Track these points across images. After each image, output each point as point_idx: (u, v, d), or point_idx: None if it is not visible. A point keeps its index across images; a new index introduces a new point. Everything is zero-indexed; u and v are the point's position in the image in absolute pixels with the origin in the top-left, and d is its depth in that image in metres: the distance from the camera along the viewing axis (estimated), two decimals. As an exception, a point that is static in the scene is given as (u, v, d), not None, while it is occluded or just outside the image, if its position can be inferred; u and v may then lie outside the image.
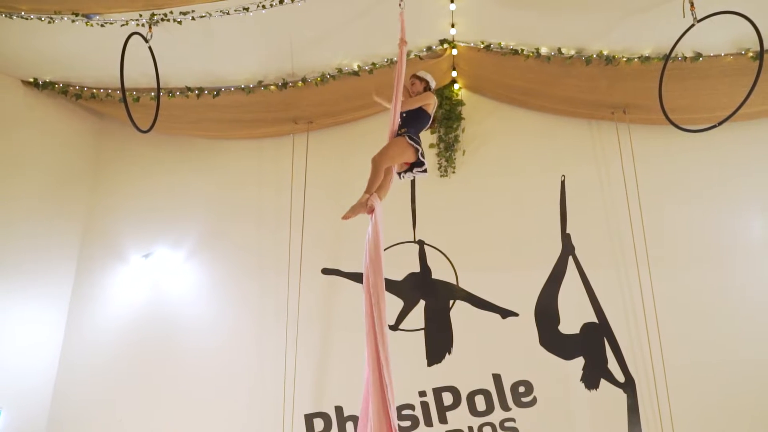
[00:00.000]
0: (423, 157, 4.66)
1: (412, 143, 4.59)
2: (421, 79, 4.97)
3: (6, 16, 5.65)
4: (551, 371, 6.44)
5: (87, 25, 5.82)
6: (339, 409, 6.59)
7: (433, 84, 5.02)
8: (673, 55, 5.68)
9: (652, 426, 6.09)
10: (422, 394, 6.53)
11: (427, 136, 6.86)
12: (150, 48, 5.63)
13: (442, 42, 6.61)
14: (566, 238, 6.85)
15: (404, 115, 4.77)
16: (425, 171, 4.72)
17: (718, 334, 6.29)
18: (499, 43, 6.50)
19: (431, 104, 4.86)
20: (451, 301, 6.83)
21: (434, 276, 6.94)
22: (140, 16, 5.75)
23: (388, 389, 3.77)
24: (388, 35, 5.70)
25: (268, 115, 7.33)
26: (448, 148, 7.21)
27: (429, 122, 4.89)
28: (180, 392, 6.83)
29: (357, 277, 6.91)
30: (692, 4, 5.09)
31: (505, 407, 6.40)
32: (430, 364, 6.64)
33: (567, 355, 6.48)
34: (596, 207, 6.90)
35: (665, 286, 6.43)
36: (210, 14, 5.78)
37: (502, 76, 7.10)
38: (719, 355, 6.22)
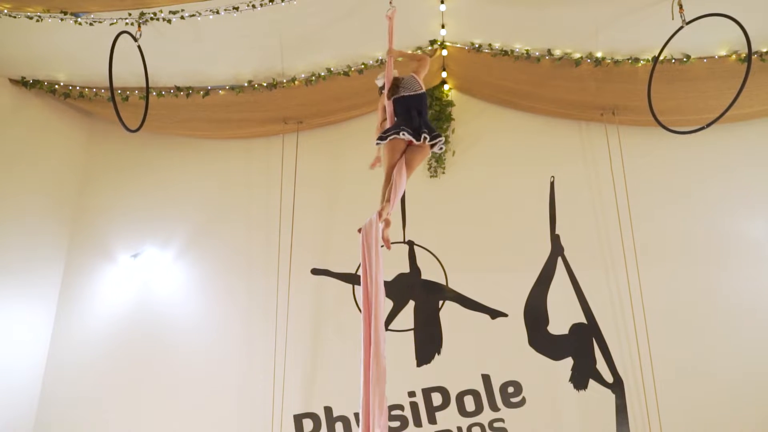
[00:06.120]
0: (429, 131, 4.31)
1: (393, 136, 4.29)
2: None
3: (-7, 14, 5.62)
4: (540, 372, 6.46)
5: (76, 23, 5.78)
6: (328, 410, 6.57)
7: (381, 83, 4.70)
8: (662, 57, 5.71)
9: (640, 426, 6.12)
10: (411, 394, 6.53)
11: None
12: (139, 47, 5.61)
13: (432, 43, 6.61)
14: (555, 239, 6.87)
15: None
16: (439, 139, 4.40)
17: (706, 335, 6.33)
18: (489, 44, 6.51)
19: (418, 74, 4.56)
20: (441, 302, 6.84)
21: (424, 276, 6.94)
22: (129, 14, 5.72)
23: (373, 391, 3.70)
24: (378, 35, 5.69)
25: (257, 115, 7.30)
26: (438, 149, 7.20)
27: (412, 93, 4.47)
28: (168, 392, 6.79)
29: (346, 278, 6.93)
30: (681, 6, 5.13)
31: (495, 408, 6.42)
32: (419, 365, 6.64)
33: (556, 356, 6.50)
34: (585, 208, 6.93)
35: (654, 286, 6.47)
36: (199, 13, 5.77)
37: (492, 77, 7.12)
38: (707, 355, 6.26)
